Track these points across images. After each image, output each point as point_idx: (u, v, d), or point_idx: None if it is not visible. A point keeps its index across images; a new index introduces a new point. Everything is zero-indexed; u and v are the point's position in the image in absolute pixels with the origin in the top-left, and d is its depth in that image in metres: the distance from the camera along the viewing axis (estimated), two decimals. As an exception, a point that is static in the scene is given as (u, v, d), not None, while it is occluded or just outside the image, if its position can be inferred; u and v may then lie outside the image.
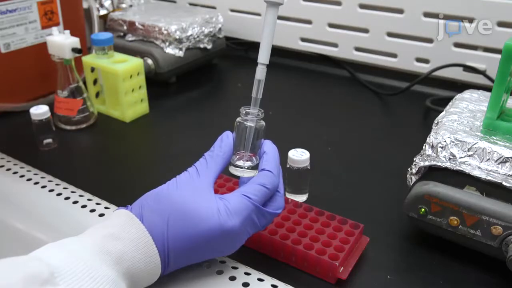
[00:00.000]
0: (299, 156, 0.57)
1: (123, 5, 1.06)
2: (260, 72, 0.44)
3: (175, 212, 0.40)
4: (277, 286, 0.43)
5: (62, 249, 0.36)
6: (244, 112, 0.45)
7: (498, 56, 0.64)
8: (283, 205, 0.45)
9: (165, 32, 0.92)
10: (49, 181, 0.56)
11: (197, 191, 0.42)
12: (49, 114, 0.70)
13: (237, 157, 0.46)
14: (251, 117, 0.45)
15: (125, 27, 0.97)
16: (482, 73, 0.88)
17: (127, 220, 0.40)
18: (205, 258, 0.44)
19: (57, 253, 0.35)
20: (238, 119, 0.46)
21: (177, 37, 0.92)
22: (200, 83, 0.99)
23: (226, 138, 0.46)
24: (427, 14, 0.90)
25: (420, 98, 0.88)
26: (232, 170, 0.46)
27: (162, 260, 0.40)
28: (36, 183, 0.56)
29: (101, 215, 0.51)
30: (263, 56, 0.44)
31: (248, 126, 0.45)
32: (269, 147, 0.47)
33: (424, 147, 0.54)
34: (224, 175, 0.60)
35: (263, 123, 0.46)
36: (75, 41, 0.73)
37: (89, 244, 0.37)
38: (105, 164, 0.71)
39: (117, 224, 0.39)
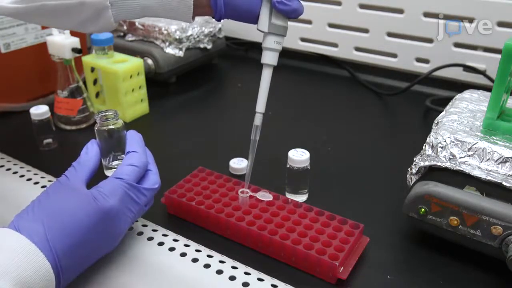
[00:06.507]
0: (299, 156, 0.57)
1: (123, 5, 1.06)
2: (258, 119, 0.51)
3: (52, 214, 0.40)
4: (277, 286, 0.43)
5: None
6: (98, 118, 0.48)
7: (498, 56, 0.64)
8: (158, 181, 0.48)
9: (165, 32, 0.92)
10: (49, 181, 0.56)
11: (69, 191, 0.43)
12: (49, 114, 0.70)
13: (109, 160, 0.50)
14: (106, 122, 0.48)
15: (125, 27, 0.97)
16: (482, 73, 0.87)
17: (2, 234, 0.39)
18: (101, 251, 0.43)
19: None
20: (96, 127, 0.49)
21: (177, 37, 0.92)
22: (200, 83, 0.99)
23: (91, 146, 0.48)
24: (427, 14, 0.90)
25: (420, 98, 0.88)
26: (108, 173, 0.49)
27: (53, 263, 0.39)
28: (36, 183, 0.56)
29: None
30: (260, 106, 0.50)
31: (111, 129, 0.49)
32: (130, 133, 0.50)
33: (424, 147, 0.54)
34: (224, 175, 0.60)
35: (120, 124, 0.49)
36: (75, 41, 0.73)
37: None
38: (105, 164, 0.71)
39: None
